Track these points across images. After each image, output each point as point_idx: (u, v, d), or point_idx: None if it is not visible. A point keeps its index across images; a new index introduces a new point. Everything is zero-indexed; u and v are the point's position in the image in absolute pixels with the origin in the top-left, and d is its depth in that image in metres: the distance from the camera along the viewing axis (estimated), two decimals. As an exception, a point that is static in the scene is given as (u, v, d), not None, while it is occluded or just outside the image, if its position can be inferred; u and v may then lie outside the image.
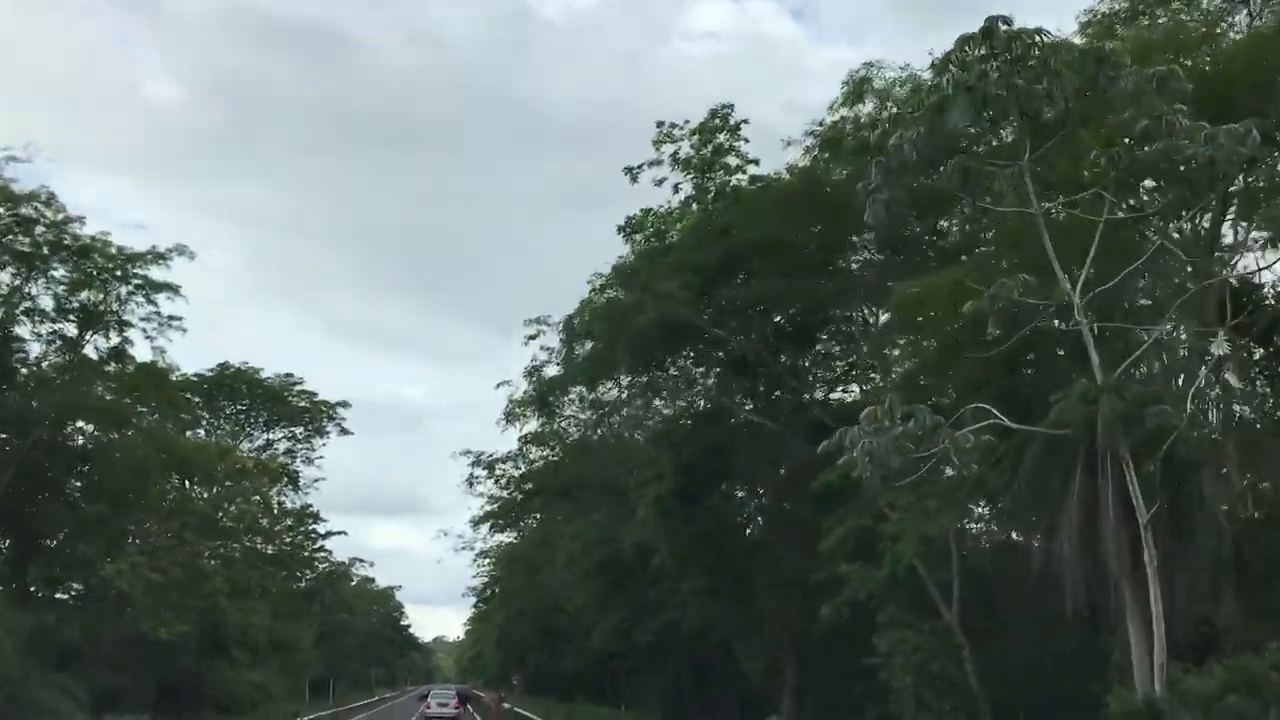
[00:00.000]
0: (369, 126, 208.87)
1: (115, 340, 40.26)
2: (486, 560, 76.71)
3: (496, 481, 46.69)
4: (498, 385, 39.69)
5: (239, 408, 58.85)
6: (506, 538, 75.36)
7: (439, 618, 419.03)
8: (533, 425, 40.54)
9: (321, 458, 62.91)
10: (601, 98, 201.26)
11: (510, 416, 38.03)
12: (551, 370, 37.95)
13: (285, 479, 60.80)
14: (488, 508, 71.17)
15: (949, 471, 18.70)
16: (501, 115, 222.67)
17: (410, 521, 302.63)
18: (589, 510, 40.48)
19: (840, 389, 30.91)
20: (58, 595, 43.43)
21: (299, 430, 61.63)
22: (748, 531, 32.91)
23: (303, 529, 69.79)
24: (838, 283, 27.83)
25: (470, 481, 45.31)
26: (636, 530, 32.79)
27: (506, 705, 52.12)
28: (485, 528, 72.30)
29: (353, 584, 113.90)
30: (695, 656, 37.39)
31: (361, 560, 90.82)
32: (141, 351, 40.56)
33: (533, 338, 36.39)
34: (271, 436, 61.34)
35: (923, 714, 23.73)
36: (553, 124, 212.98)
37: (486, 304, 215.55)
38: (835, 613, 23.47)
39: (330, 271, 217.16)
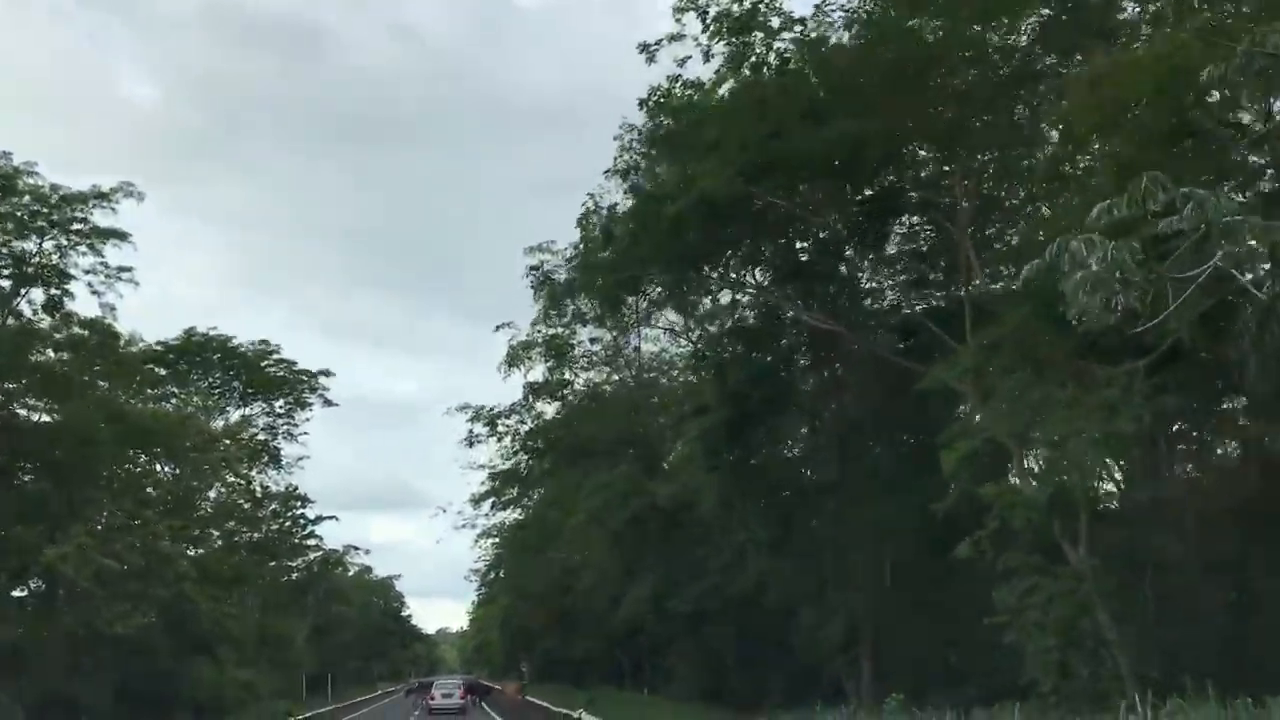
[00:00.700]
0: (350, 122, 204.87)
1: (54, 293, 34.85)
2: (489, 541, 71.45)
3: (499, 439, 40.94)
4: (498, 328, 34.34)
5: (211, 380, 53.05)
6: (510, 514, 70.19)
7: (441, 610, 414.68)
8: (538, 373, 35.13)
9: (305, 434, 57.16)
10: (579, 82, 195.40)
11: (513, 360, 32.57)
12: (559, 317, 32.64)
13: (264, 455, 55.22)
14: (487, 484, 65.93)
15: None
16: (481, 106, 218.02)
17: (407, 516, 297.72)
18: (608, 468, 34.83)
19: (918, 296, 25.11)
20: (15, 593, 37.99)
21: (279, 404, 55.80)
22: (810, 471, 27.30)
23: (289, 513, 64.04)
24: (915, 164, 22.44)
25: (470, 441, 39.73)
26: (674, 476, 27.30)
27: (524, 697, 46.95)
28: (486, 505, 67.22)
29: (350, 574, 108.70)
30: (742, 628, 31.89)
31: (356, 548, 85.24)
32: (88, 310, 35.06)
33: (535, 268, 31.12)
34: (248, 411, 55.61)
35: (1065, 683, 18.42)
36: (533, 112, 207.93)
37: (474, 297, 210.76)
38: (973, 550, 17.88)
39: (317, 270, 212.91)
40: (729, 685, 35.91)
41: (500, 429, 39.22)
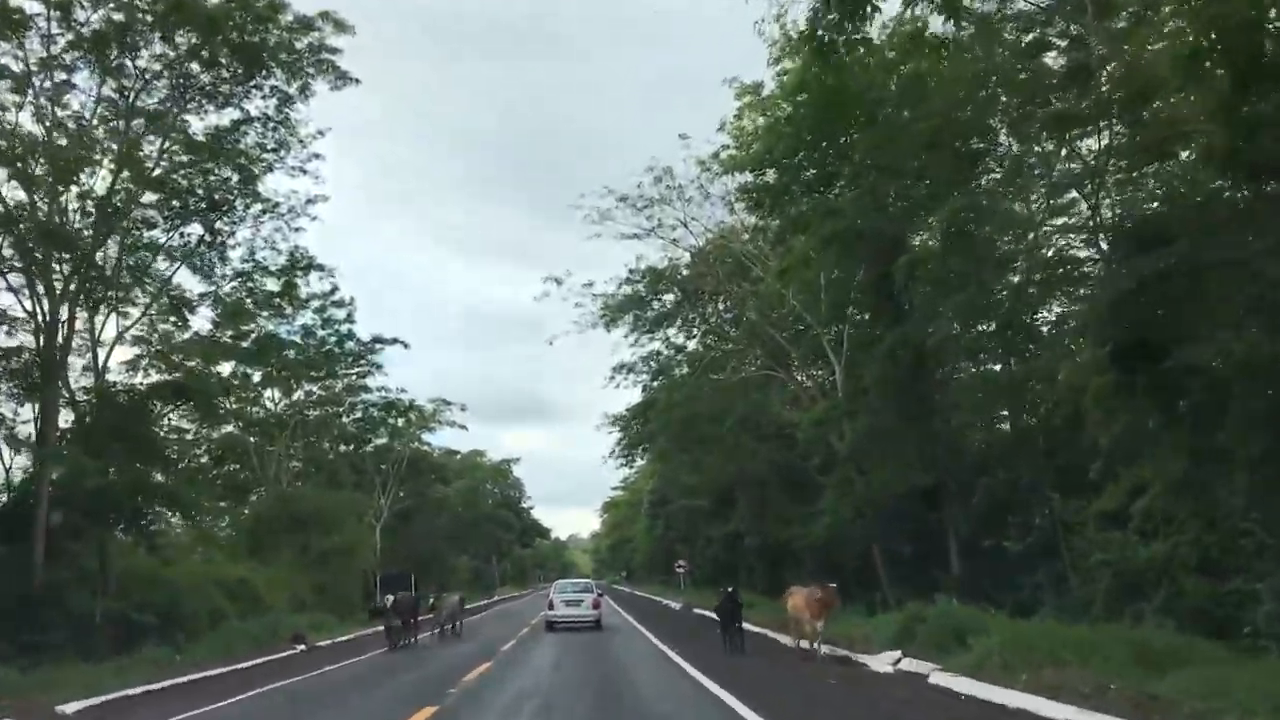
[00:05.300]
0: (464, 28, 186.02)
1: None
2: (631, 377, 45.48)
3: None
4: None
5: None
6: (667, 342, 44.25)
7: (572, 517, 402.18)
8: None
9: (319, 157, 31.50)
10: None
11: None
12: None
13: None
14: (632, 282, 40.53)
15: None
16: (598, 5, 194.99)
17: (534, 426, 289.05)
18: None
19: None
20: None
21: (261, 90, 30.03)
22: None
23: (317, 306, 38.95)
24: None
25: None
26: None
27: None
28: (625, 326, 41.65)
29: (458, 456, 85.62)
30: None
31: (448, 403, 60.73)
32: None
33: None
34: (216, 120, 29.96)
35: None
36: (652, 12, 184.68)
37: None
38: None
39: (437, 182, 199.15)
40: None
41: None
